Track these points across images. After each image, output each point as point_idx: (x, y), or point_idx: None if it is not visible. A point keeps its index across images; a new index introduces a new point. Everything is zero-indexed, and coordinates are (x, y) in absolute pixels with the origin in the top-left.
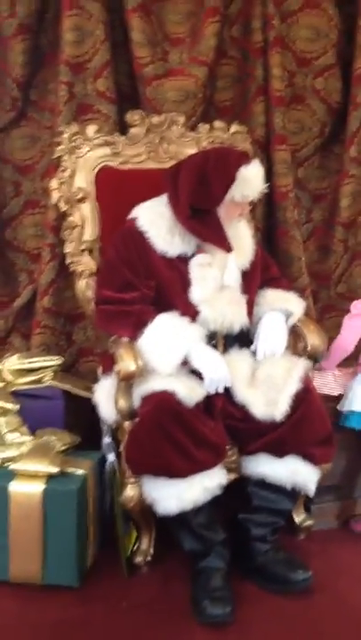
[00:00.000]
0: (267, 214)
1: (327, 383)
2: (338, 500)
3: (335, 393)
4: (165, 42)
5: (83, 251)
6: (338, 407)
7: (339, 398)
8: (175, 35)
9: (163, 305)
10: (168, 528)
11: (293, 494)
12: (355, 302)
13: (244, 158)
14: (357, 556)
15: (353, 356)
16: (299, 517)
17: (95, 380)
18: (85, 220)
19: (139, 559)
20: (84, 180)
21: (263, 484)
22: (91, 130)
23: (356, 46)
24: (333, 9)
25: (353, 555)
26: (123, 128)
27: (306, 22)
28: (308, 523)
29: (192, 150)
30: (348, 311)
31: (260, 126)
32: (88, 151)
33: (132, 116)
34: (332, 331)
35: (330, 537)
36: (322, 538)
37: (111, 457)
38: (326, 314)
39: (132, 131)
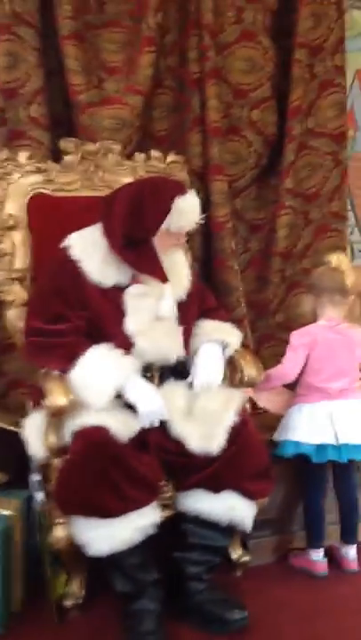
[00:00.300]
0: (204, 244)
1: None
2: (275, 535)
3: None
4: (101, 70)
5: (13, 280)
6: (273, 437)
7: (273, 430)
8: (111, 63)
9: (97, 336)
10: (100, 569)
11: (230, 531)
12: (293, 333)
13: (179, 188)
14: (295, 592)
15: (291, 386)
16: (235, 553)
17: (25, 413)
18: (16, 249)
19: (69, 603)
20: (15, 207)
21: (199, 520)
22: (22, 156)
23: (291, 79)
24: (269, 42)
25: (290, 591)
26: (56, 155)
27: (242, 54)
28: (245, 559)
29: (128, 179)
30: (285, 341)
31: (197, 156)
32: (19, 177)
33: (66, 144)
34: (269, 360)
35: (267, 573)
36: (259, 574)
37: (40, 496)
38: (265, 343)
39: (66, 158)
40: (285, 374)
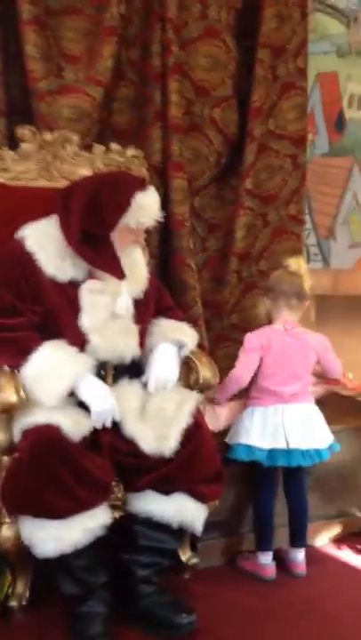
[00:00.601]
0: (161, 242)
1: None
2: (224, 537)
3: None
4: (61, 58)
5: None
6: (226, 440)
7: (227, 431)
8: (71, 52)
9: (51, 332)
10: (46, 569)
11: (180, 533)
12: (248, 335)
13: (139, 184)
14: (243, 595)
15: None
16: (185, 555)
17: None
18: None
19: (13, 603)
20: None
21: (149, 522)
22: None
23: (253, 79)
24: (232, 40)
25: (238, 594)
26: (12, 143)
27: (205, 51)
28: (194, 561)
29: (86, 171)
30: (240, 342)
31: (157, 152)
32: None
33: (22, 131)
34: (223, 360)
35: (216, 575)
36: (208, 576)
37: None
38: (219, 344)
39: (23, 146)
40: (239, 378)
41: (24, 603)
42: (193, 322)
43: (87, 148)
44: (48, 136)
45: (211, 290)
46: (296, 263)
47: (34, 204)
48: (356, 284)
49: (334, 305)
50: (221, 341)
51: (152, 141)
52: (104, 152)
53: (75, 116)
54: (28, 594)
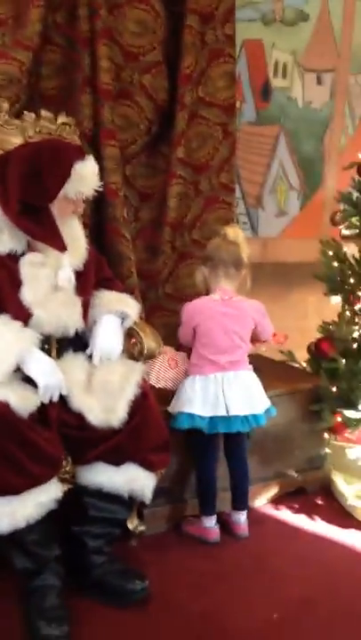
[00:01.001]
0: (94, 211)
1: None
2: (169, 504)
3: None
4: None
5: None
6: (168, 409)
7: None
8: None
9: None
10: None
11: (129, 503)
12: (183, 308)
13: (79, 153)
14: (190, 559)
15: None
16: (131, 524)
17: None
18: None
19: None
20: None
21: (100, 493)
22: None
23: (182, 46)
24: (160, 5)
25: (186, 558)
26: None
27: (133, 16)
28: (141, 528)
29: (17, 139)
30: (175, 311)
31: (88, 119)
32: None
33: None
34: (159, 330)
35: (162, 541)
36: (154, 543)
37: None
38: (155, 313)
39: None
40: (183, 344)
41: None
42: (129, 292)
43: (17, 115)
44: None
45: (145, 260)
46: (233, 232)
47: None
48: (282, 252)
49: (262, 272)
50: (157, 311)
51: (82, 108)
52: (35, 120)
53: (3, 82)
54: None
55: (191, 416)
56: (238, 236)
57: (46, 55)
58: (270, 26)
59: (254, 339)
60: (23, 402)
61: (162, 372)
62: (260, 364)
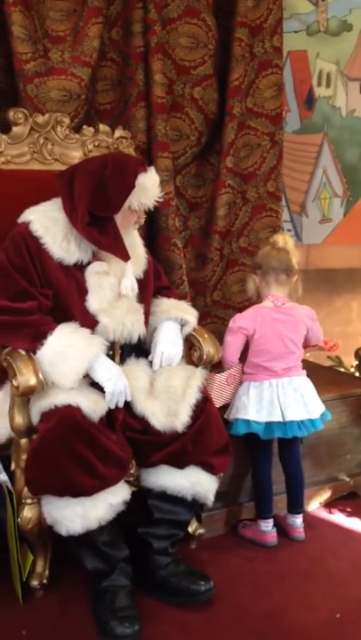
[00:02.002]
0: (147, 221)
1: (219, 391)
2: (226, 507)
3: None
4: (46, 39)
5: None
6: (225, 416)
7: (226, 407)
8: (56, 32)
9: (59, 314)
10: (64, 548)
11: (193, 505)
12: (235, 317)
13: (141, 165)
14: (248, 562)
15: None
16: (191, 526)
17: None
18: None
19: (34, 583)
20: None
21: (164, 496)
22: None
23: (232, 58)
24: (212, 19)
25: (244, 560)
26: (1, 126)
27: (185, 31)
28: (201, 531)
29: (77, 153)
30: (223, 319)
31: (142, 132)
32: None
33: (16, 114)
34: None
35: (220, 544)
36: (212, 545)
37: (2, 476)
38: (202, 321)
39: (15, 129)
40: (227, 360)
41: (44, 581)
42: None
43: (75, 129)
44: (40, 118)
45: (194, 268)
46: (283, 239)
47: (29, 187)
48: (325, 258)
49: (306, 278)
50: (205, 318)
51: (136, 121)
52: (93, 134)
53: (63, 97)
54: (47, 572)
55: (247, 422)
56: (288, 243)
57: (101, 70)
58: (314, 36)
59: (305, 344)
60: (94, 406)
61: (221, 391)
62: (309, 370)
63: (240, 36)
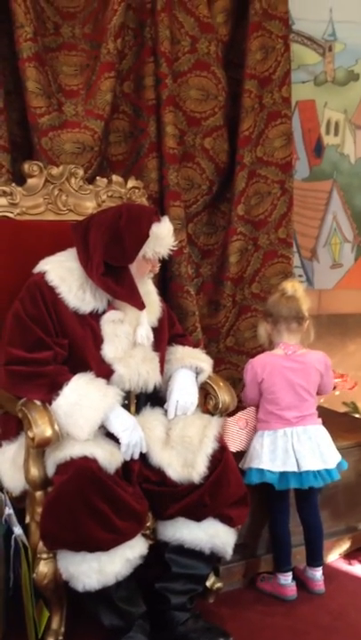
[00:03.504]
0: (160, 269)
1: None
2: (243, 559)
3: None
4: (60, 93)
5: None
6: (240, 465)
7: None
8: (69, 87)
9: (75, 363)
10: (80, 603)
11: (211, 558)
12: (246, 367)
13: (155, 215)
14: (268, 616)
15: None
16: (209, 580)
17: None
18: None
19: None
20: None
21: (181, 549)
22: None
23: (242, 109)
24: (221, 72)
25: (264, 615)
26: (15, 179)
27: (196, 83)
28: (218, 585)
29: (91, 203)
30: (236, 364)
31: (154, 182)
32: None
33: (31, 167)
34: None
35: (238, 598)
36: (230, 599)
37: (17, 530)
38: (216, 367)
39: (30, 181)
40: (248, 404)
41: (60, 638)
42: (194, 347)
43: (89, 180)
44: (54, 171)
45: (206, 314)
46: (292, 287)
47: (44, 237)
48: (337, 303)
49: (318, 323)
50: (218, 365)
51: (148, 171)
52: (106, 184)
53: (77, 150)
54: (63, 629)
55: (261, 471)
56: (297, 291)
57: (114, 123)
58: (322, 86)
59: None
60: (110, 457)
61: (236, 436)
62: (324, 416)
63: (249, 87)
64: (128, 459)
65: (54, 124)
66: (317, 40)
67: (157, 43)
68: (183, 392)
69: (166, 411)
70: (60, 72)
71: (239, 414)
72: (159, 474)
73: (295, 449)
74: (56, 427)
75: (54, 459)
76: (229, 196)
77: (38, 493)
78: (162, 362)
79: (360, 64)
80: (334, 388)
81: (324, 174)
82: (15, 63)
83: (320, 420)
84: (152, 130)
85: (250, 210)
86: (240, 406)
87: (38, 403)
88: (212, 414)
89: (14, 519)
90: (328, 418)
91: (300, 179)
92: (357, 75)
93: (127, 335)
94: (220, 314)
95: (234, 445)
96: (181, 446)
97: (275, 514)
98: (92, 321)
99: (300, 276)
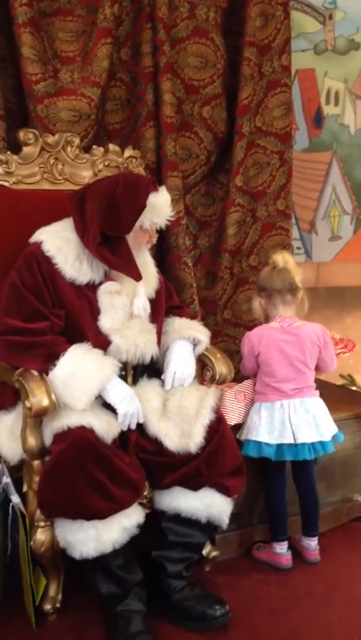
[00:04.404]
0: (157, 240)
1: (230, 407)
2: (239, 529)
3: (233, 421)
4: (56, 60)
5: None
6: (237, 436)
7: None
8: (65, 53)
9: (72, 334)
10: (77, 571)
11: (207, 527)
12: (243, 340)
13: (152, 185)
14: (263, 585)
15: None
16: (205, 549)
17: None
18: None
19: (47, 607)
20: None
21: (178, 518)
22: None
23: (241, 78)
24: (220, 39)
25: (259, 584)
26: (11, 146)
27: (194, 50)
28: (215, 554)
29: (87, 172)
30: (233, 337)
31: (151, 151)
32: None
33: (27, 135)
34: None
35: (234, 566)
36: (226, 568)
37: (15, 499)
38: (213, 339)
39: (26, 150)
40: (247, 375)
41: (57, 606)
42: (192, 319)
43: (85, 149)
44: (50, 139)
45: (204, 286)
46: (283, 259)
47: (40, 207)
48: (335, 276)
49: (316, 296)
50: (215, 337)
51: (145, 141)
52: (103, 153)
53: (73, 117)
54: (60, 596)
55: (258, 444)
56: (288, 262)
57: (111, 91)
58: (322, 55)
59: (317, 371)
60: (107, 428)
61: (234, 409)
62: (321, 389)
63: (249, 55)
64: (125, 429)
65: (50, 92)
66: (318, 8)
67: (155, 8)
68: (180, 363)
69: (163, 381)
70: (56, 38)
71: (237, 387)
72: (156, 444)
73: (292, 421)
74: (53, 397)
75: (51, 428)
76: (228, 167)
77: (36, 462)
78: (159, 333)
79: None
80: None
81: (324, 145)
82: (10, 29)
83: (317, 393)
84: (149, 98)
85: (248, 181)
86: (237, 378)
87: (35, 373)
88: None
89: (12, 488)
90: (325, 390)
91: (300, 149)
92: (358, 44)
93: (124, 306)
94: (217, 286)
95: (232, 418)
96: (178, 417)
97: (270, 484)
98: (88, 292)
99: (299, 248)
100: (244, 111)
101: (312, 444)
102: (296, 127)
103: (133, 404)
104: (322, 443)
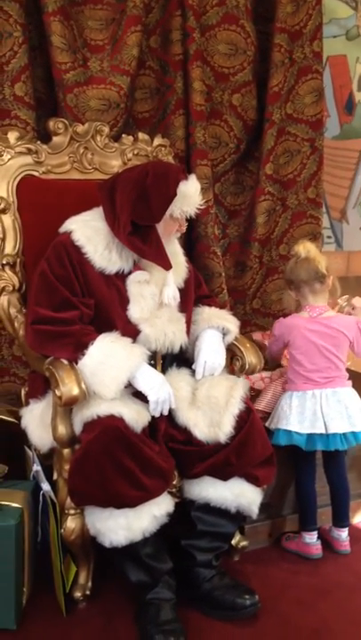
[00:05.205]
0: (186, 229)
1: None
2: (269, 519)
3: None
4: (85, 48)
5: (4, 265)
6: (266, 424)
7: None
8: (94, 41)
9: (101, 323)
10: (107, 559)
11: (237, 517)
12: (276, 323)
13: (182, 174)
14: (293, 575)
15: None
16: (234, 539)
17: (14, 402)
18: (7, 233)
19: (77, 594)
20: (4, 190)
21: (207, 507)
22: (12, 137)
23: (271, 64)
24: (250, 26)
25: (289, 574)
26: (41, 136)
27: (224, 37)
28: (244, 544)
29: (116, 161)
30: (262, 327)
31: (180, 140)
32: (9, 159)
33: (56, 124)
34: None
35: (263, 556)
36: (256, 558)
37: (45, 486)
38: (242, 329)
39: (55, 139)
40: (271, 356)
41: (87, 593)
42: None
43: (115, 138)
44: (79, 128)
45: (233, 276)
46: (304, 248)
47: (68, 196)
48: None
49: (347, 285)
50: (244, 326)
51: (174, 129)
52: (132, 142)
53: (103, 106)
54: (90, 584)
55: (289, 433)
56: (310, 251)
57: (139, 79)
58: (354, 41)
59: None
60: (137, 416)
61: (261, 395)
62: (352, 379)
63: (279, 41)
64: (157, 415)
65: (79, 80)
66: None
67: None
68: (211, 352)
69: (194, 371)
70: (86, 26)
71: (262, 374)
72: (185, 433)
73: (323, 411)
74: (83, 385)
75: (81, 417)
76: (258, 155)
77: (66, 451)
78: (188, 323)
79: None
80: None
81: (356, 132)
82: (40, 18)
83: (350, 383)
84: (179, 86)
85: (278, 169)
86: (266, 368)
87: (65, 362)
88: (238, 375)
89: (42, 476)
90: (356, 380)
91: (331, 137)
92: None
93: (153, 296)
94: (246, 275)
95: (259, 405)
96: (208, 406)
97: (301, 474)
98: (117, 281)
99: (329, 237)
100: (275, 98)
101: (344, 434)
102: (327, 114)
103: (164, 390)
104: (354, 433)
